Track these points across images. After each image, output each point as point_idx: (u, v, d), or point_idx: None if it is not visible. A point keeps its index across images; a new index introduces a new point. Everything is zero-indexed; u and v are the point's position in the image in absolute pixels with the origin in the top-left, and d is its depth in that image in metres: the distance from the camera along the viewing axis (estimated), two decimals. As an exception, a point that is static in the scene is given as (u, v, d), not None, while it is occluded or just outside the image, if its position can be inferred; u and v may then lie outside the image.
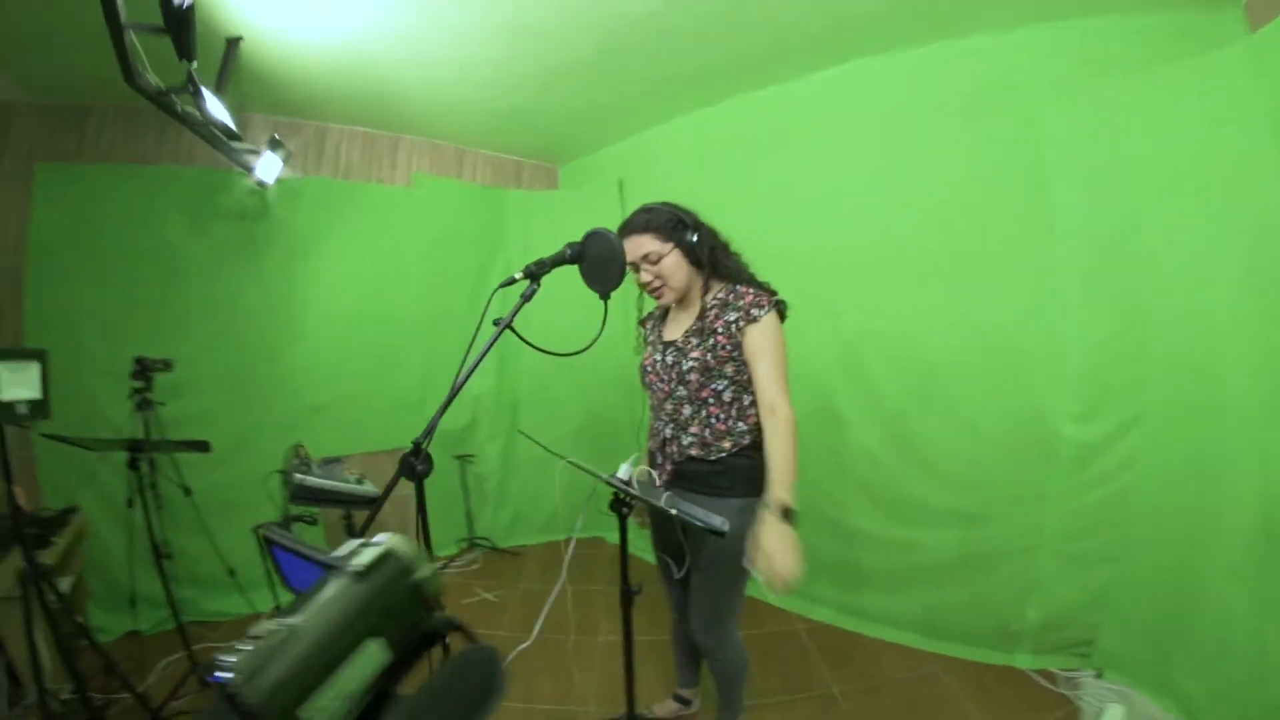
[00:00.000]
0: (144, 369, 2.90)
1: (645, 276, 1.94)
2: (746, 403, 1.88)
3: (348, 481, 2.87)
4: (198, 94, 2.51)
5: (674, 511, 1.51)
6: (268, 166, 3.40)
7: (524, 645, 2.45)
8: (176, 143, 3.44)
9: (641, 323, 2.26)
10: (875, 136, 3.18)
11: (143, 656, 2.98)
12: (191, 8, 2.10)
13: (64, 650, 2.31)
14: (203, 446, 2.73)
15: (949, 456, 2.97)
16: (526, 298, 1.55)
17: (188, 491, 3.02)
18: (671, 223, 1.89)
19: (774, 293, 1.91)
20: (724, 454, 1.87)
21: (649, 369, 2.03)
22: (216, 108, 2.66)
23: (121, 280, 3.39)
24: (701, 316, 1.90)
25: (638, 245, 1.90)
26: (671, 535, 2.02)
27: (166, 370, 2.97)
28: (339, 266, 3.91)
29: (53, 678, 2.33)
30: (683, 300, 1.99)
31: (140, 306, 3.42)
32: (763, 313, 1.81)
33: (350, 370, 3.94)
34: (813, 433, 2.83)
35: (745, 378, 1.87)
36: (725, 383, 1.87)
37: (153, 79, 2.43)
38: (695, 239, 1.89)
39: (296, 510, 2.81)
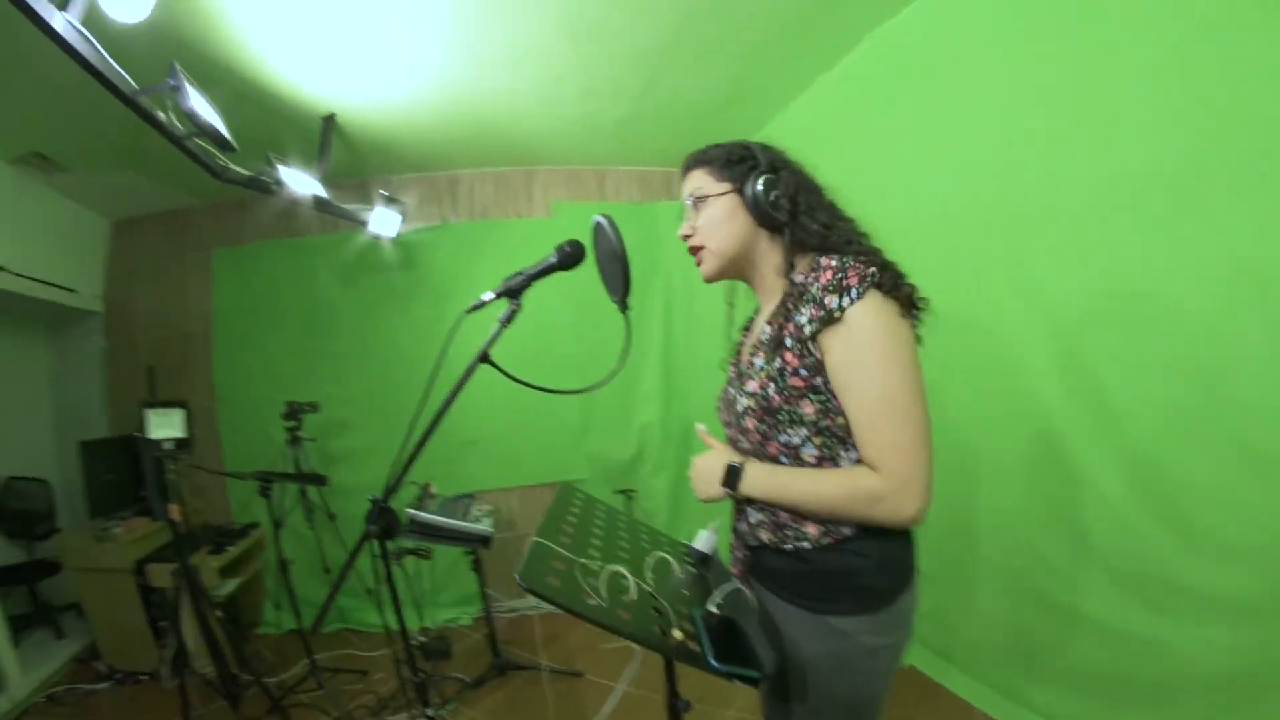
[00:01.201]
0: (293, 411, 3.38)
1: (685, 227, 1.34)
2: (846, 462, 1.16)
3: (463, 519, 2.97)
4: (273, 173, 2.98)
5: (679, 636, 1.05)
6: (383, 222, 3.65)
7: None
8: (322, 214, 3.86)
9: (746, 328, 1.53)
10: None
11: (294, 651, 3.48)
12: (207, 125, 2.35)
13: (207, 636, 2.88)
14: (319, 480, 3.15)
15: (1227, 513, 1.80)
16: (505, 321, 1.27)
17: (331, 517, 3.48)
18: (736, 158, 1.28)
19: (877, 262, 1.13)
20: (807, 546, 1.18)
21: (719, 403, 1.41)
22: (299, 180, 3.08)
23: (286, 336, 4.08)
24: (773, 318, 1.22)
25: (687, 183, 1.34)
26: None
27: (314, 411, 3.45)
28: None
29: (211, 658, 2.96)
30: (761, 284, 1.34)
31: (303, 356, 4.09)
32: (849, 301, 1.06)
33: (505, 405, 4.03)
34: (1021, 470, 2.29)
35: (840, 421, 1.13)
36: (804, 432, 1.16)
37: (241, 170, 2.85)
38: (762, 185, 1.22)
39: (411, 544, 2.99)
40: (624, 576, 1.13)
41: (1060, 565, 2.25)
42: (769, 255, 1.28)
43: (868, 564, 1.15)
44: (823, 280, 1.10)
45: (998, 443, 2.39)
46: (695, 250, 1.33)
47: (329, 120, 3.23)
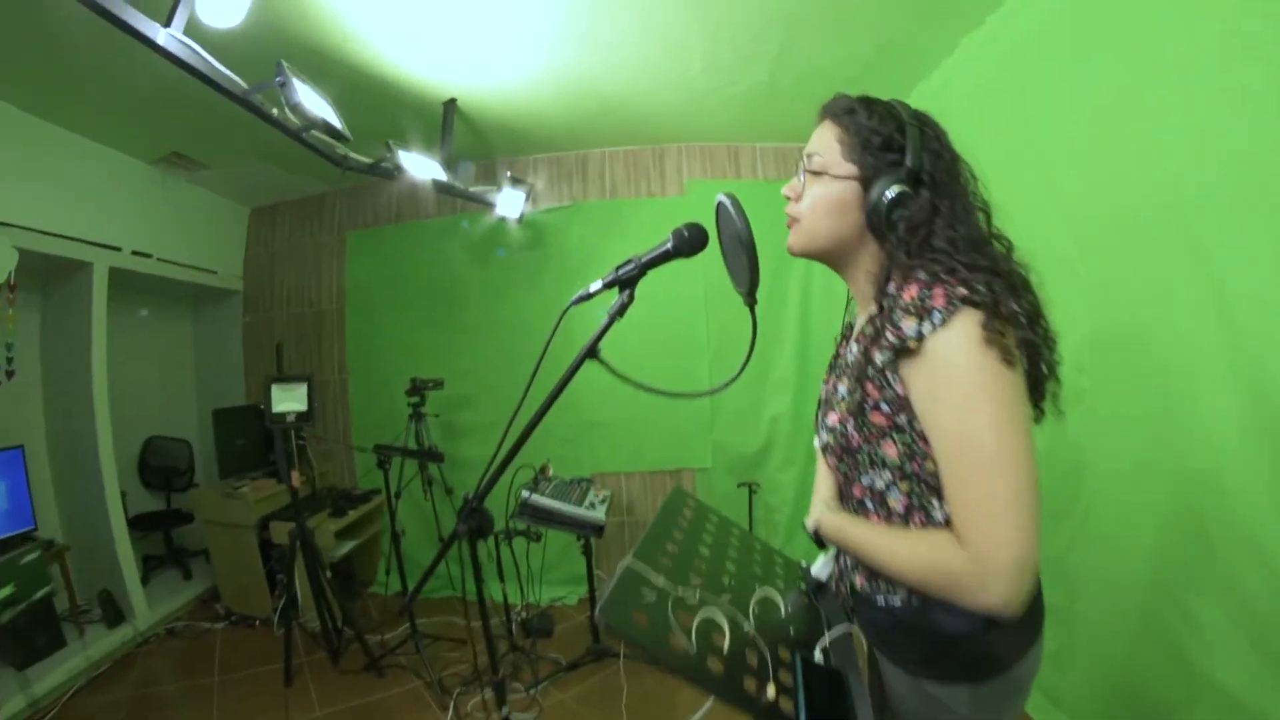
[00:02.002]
0: (417, 388, 3.40)
1: (786, 190, 1.15)
2: (939, 514, 0.96)
3: (578, 505, 2.91)
4: (393, 158, 3.07)
5: (770, 695, 0.89)
6: (509, 203, 3.71)
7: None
8: (451, 196, 4.00)
9: (844, 333, 1.34)
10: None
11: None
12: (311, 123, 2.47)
13: (316, 592, 3.10)
14: (436, 457, 3.12)
15: None
16: (617, 313, 1.13)
17: (449, 491, 3.47)
18: (878, 140, 1.02)
19: (985, 277, 0.89)
20: (897, 602, 1.01)
21: (816, 423, 1.20)
22: (419, 164, 3.15)
23: (417, 312, 4.23)
24: (861, 335, 1.06)
25: (816, 134, 1.12)
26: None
27: (438, 388, 3.45)
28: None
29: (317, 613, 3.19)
30: (855, 287, 1.15)
31: (431, 331, 4.22)
32: (930, 327, 0.87)
33: (634, 388, 3.96)
34: (1174, 509, 1.87)
35: (929, 465, 0.94)
36: (888, 475, 0.99)
37: (362, 158, 2.99)
38: (890, 196, 0.98)
39: (519, 525, 2.93)
40: (717, 618, 0.98)
41: (1200, 619, 1.82)
42: (868, 261, 1.08)
43: (974, 625, 0.92)
44: (904, 299, 0.90)
45: (1138, 472, 1.99)
46: (790, 222, 1.13)
47: (450, 105, 3.31)
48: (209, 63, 2.12)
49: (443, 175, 3.27)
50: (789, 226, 1.12)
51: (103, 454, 3.47)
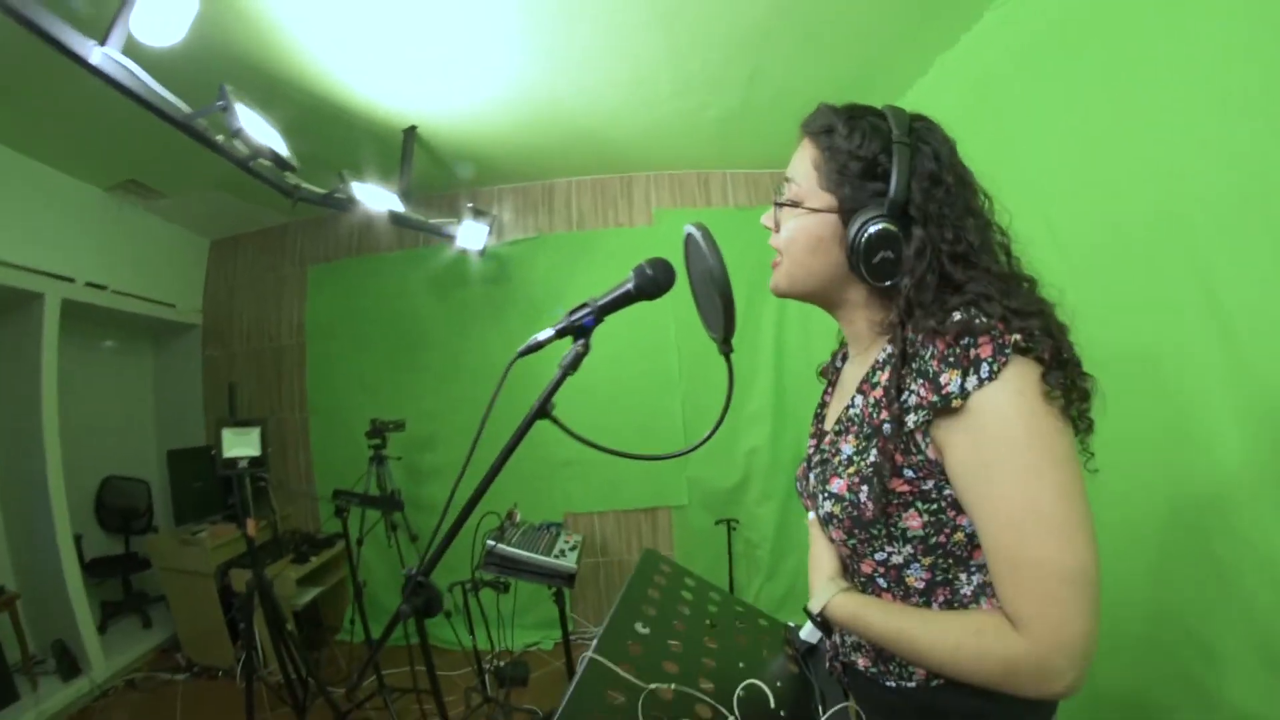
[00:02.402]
0: (377, 429, 3.33)
1: (764, 219, 1.03)
2: (966, 589, 0.86)
3: (547, 553, 2.83)
4: (346, 189, 2.97)
5: None
6: (471, 235, 3.61)
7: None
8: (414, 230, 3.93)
9: (823, 371, 1.26)
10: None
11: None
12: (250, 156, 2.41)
13: (277, 644, 2.90)
14: (395, 505, 3.04)
15: None
16: (569, 366, 0.96)
17: (414, 538, 3.38)
18: (858, 163, 0.90)
19: (1031, 324, 0.77)
20: (913, 685, 0.91)
21: (799, 482, 1.12)
22: (374, 195, 3.07)
23: (379, 350, 4.13)
24: (865, 385, 0.96)
25: (797, 154, 0.99)
26: None
27: (399, 430, 3.38)
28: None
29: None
30: (849, 327, 1.04)
31: (394, 370, 4.12)
32: (976, 381, 0.75)
33: (605, 425, 3.88)
34: (1179, 531, 1.81)
35: (959, 536, 0.84)
36: (909, 550, 0.87)
37: (314, 189, 2.90)
38: (869, 236, 0.86)
39: (486, 576, 2.84)
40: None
41: (1210, 641, 1.76)
42: (862, 306, 0.97)
43: (995, 707, 0.83)
44: (940, 346, 0.77)
45: (1156, 490, 1.92)
46: (776, 261, 1.01)
47: (410, 133, 3.25)
48: (146, 84, 2.01)
49: (400, 206, 3.18)
50: (773, 265, 1.01)
51: (54, 494, 3.35)
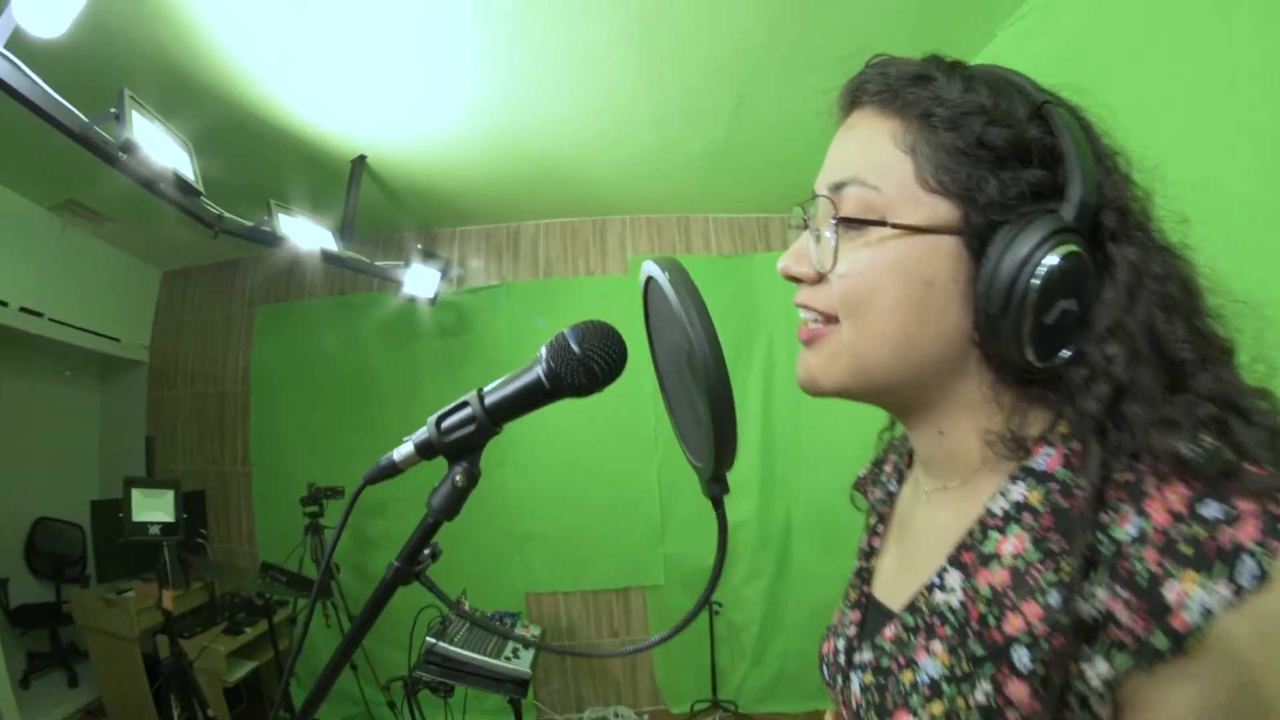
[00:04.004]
0: (314, 496, 3.12)
1: (788, 262, 0.62)
2: None
3: (494, 656, 2.59)
4: (272, 222, 2.73)
5: None
6: (419, 281, 3.35)
7: None
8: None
9: (859, 485, 0.89)
10: None
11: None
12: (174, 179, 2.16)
13: None
14: (322, 592, 2.81)
15: None
16: (445, 511, 0.63)
17: (352, 618, 3.08)
18: (992, 123, 0.53)
19: None
20: None
21: (824, 667, 0.72)
22: (304, 232, 2.82)
23: (327, 403, 3.88)
24: (965, 557, 0.55)
25: (845, 145, 0.61)
26: None
27: (337, 497, 3.14)
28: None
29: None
30: (933, 443, 0.62)
31: (344, 429, 3.83)
32: (1231, 596, 0.38)
33: (573, 494, 3.70)
34: None
35: None
36: None
37: (241, 220, 2.64)
38: (1052, 249, 0.49)
39: (426, 677, 2.59)
40: None
41: None
42: (978, 406, 0.58)
43: None
44: (1157, 518, 0.43)
45: None
46: (810, 316, 0.61)
47: (358, 162, 3.01)
48: (36, 85, 1.76)
49: (333, 245, 2.94)
50: (804, 340, 0.61)
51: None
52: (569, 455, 3.63)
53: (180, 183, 2.18)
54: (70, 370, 4.28)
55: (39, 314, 3.46)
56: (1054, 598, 0.46)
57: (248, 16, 2.10)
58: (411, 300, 3.57)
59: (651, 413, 3.71)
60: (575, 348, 0.56)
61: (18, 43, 1.71)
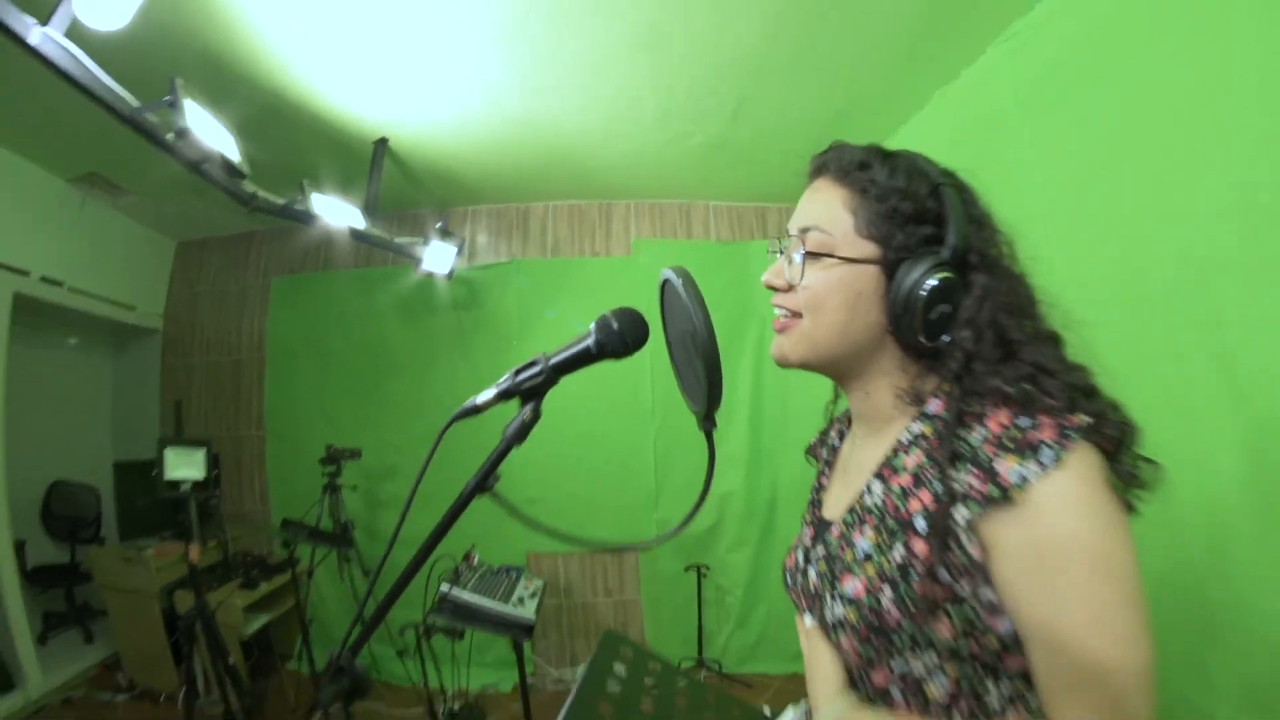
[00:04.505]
0: (332, 456, 3.26)
1: (770, 277, 0.92)
2: (994, 700, 0.75)
3: (505, 601, 2.77)
4: (305, 200, 2.90)
5: None
6: (437, 257, 3.54)
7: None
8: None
9: (811, 450, 1.20)
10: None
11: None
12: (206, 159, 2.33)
13: (217, 674, 2.86)
14: (344, 543, 2.99)
15: None
16: (514, 438, 0.82)
17: (366, 572, 3.38)
18: (903, 198, 0.84)
19: (1087, 399, 0.74)
20: None
21: (788, 575, 1.01)
22: (334, 209, 2.98)
23: (340, 372, 4.06)
24: (886, 469, 0.84)
25: (809, 200, 0.92)
26: None
27: (355, 459, 3.30)
28: (553, 348, 3.95)
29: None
30: (864, 400, 0.92)
31: (356, 397, 4.03)
32: (1038, 468, 0.67)
33: (574, 463, 3.88)
34: (1175, 605, 1.73)
35: (991, 641, 0.73)
36: (933, 658, 0.76)
37: (273, 198, 2.77)
38: (931, 286, 0.79)
39: (440, 622, 2.77)
40: None
41: (1206, 710, 1.71)
42: (891, 372, 0.88)
43: None
44: (992, 426, 0.71)
45: (1153, 551, 1.90)
46: (779, 323, 0.90)
47: (380, 144, 3.17)
48: (91, 72, 1.90)
49: (361, 222, 3.11)
50: (777, 329, 0.90)
51: (-8, 499, 3.28)
52: (573, 427, 3.80)
53: (226, 165, 2.35)
54: (84, 338, 4.40)
55: (59, 283, 3.61)
56: (937, 486, 0.73)
57: (283, 7, 2.24)
58: (429, 275, 3.75)
59: (649, 391, 3.92)
60: (615, 325, 0.79)
61: (74, 32, 1.85)
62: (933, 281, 0.78)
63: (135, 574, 3.43)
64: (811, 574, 0.90)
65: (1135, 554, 0.68)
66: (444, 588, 2.64)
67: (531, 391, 0.81)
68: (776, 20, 2.37)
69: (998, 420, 0.71)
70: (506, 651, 3.68)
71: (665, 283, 0.84)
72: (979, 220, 0.86)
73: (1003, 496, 0.66)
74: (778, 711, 1.01)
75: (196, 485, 2.82)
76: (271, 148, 2.62)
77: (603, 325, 0.79)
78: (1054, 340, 0.82)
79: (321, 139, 3.08)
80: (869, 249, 0.83)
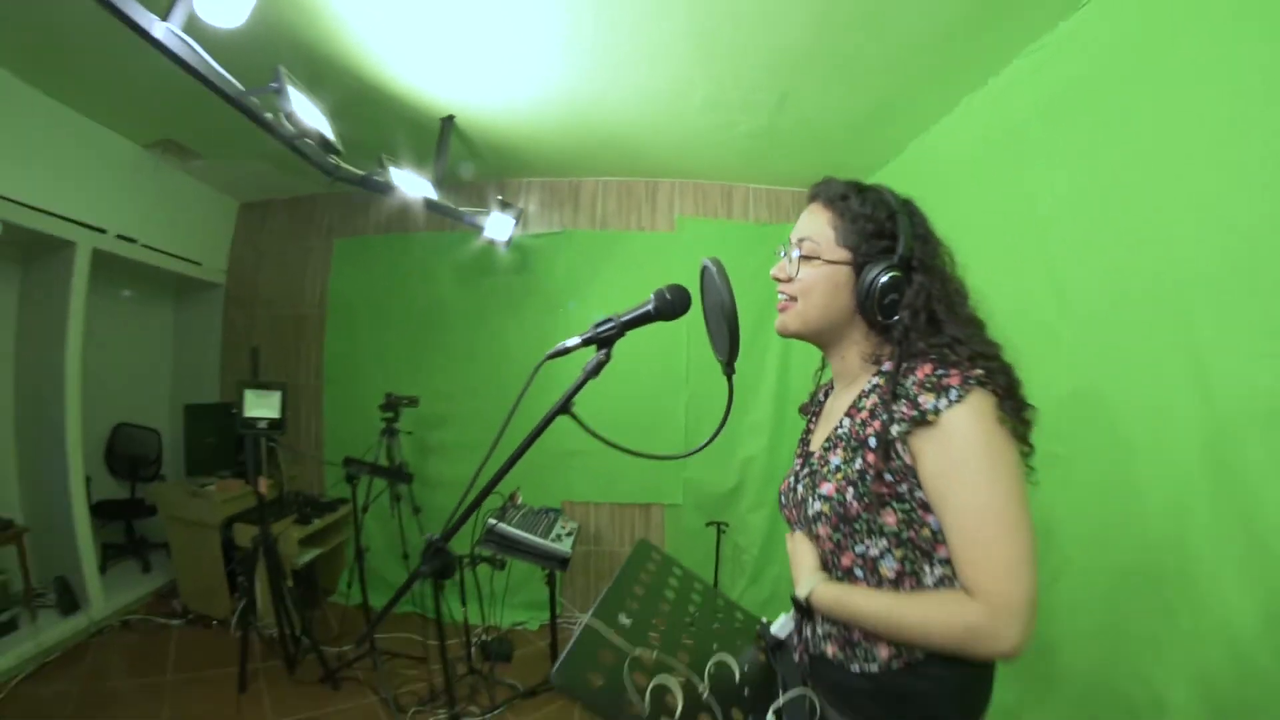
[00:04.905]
0: (391, 403, 3.48)
1: (779, 269, 1.23)
2: (930, 579, 1.05)
3: (544, 536, 3.00)
4: (384, 173, 3.17)
5: None
6: (497, 226, 3.80)
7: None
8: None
9: (803, 409, 1.49)
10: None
11: (360, 625, 3.86)
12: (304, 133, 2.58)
13: (276, 600, 3.17)
14: (403, 477, 3.17)
15: None
16: (592, 371, 1.13)
17: (416, 510, 3.57)
18: (870, 228, 1.15)
19: (989, 360, 1.06)
20: (876, 668, 1.07)
21: (783, 495, 1.32)
22: (410, 181, 3.23)
23: (396, 327, 4.36)
24: (853, 409, 1.16)
25: (807, 218, 1.22)
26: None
27: (413, 405, 3.52)
28: (599, 315, 4.11)
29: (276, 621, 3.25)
30: (840, 364, 1.27)
31: (411, 348, 4.33)
32: (947, 402, 0.99)
33: (610, 420, 4.02)
34: (1139, 581, 1.96)
35: (926, 532, 1.04)
36: (884, 543, 1.07)
37: (353, 170, 3.01)
38: (883, 282, 1.11)
39: (485, 553, 2.99)
40: (671, 684, 1.05)
41: (1153, 677, 1.91)
42: (859, 341, 1.21)
43: (939, 691, 1.05)
44: (919, 375, 1.03)
45: (1107, 538, 2.11)
46: (781, 304, 1.23)
47: (448, 121, 3.39)
48: (206, 61, 2.17)
49: (434, 194, 3.35)
50: (779, 309, 1.22)
51: (70, 438, 3.52)
52: (612, 388, 3.98)
53: (324, 142, 2.61)
54: (146, 290, 4.65)
55: (133, 240, 3.86)
56: (883, 414, 1.05)
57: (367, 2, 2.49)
58: (490, 243, 4.02)
59: (684, 361, 4.15)
60: (667, 295, 1.09)
61: (190, 26, 2.12)
62: (884, 279, 1.11)
63: (199, 507, 3.68)
64: (799, 488, 1.22)
65: (1018, 469, 1.01)
66: (491, 522, 2.88)
67: (606, 339, 1.12)
68: (820, 22, 2.54)
69: (924, 372, 1.03)
70: (535, 595, 3.94)
71: (704, 269, 1.15)
72: (923, 237, 1.17)
73: (922, 418, 1.00)
74: (771, 621, 1.26)
75: (271, 423, 3.07)
76: (348, 125, 2.82)
77: (659, 295, 1.10)
78: (972, 322, 1.14)
79: (392, 116, 3.30)
80: (844, 254, 1.16)
